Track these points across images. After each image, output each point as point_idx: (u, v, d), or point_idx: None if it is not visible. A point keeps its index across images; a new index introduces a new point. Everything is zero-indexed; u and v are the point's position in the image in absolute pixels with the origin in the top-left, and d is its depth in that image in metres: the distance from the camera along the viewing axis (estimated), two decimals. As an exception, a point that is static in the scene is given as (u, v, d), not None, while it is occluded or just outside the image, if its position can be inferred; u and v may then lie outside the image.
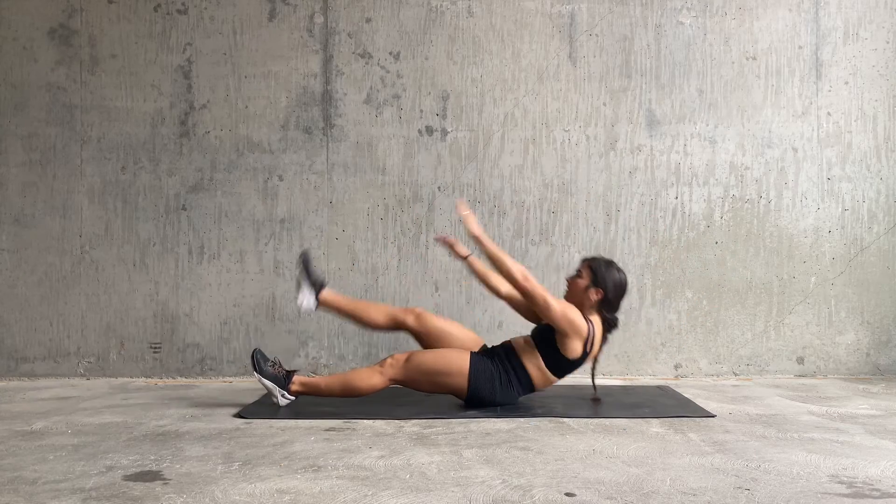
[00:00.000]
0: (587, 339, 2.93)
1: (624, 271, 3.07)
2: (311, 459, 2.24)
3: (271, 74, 3.90)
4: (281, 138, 3.89)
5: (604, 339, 3.05)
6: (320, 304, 3.13)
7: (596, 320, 2.99)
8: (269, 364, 3.01)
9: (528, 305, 3.10)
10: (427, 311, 3.19)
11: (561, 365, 2.97)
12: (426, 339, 3.12)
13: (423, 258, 3.87)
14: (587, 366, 3.11)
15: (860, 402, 3.18)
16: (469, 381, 2.93)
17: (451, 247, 3.19)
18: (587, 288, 2.99)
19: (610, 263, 3.04)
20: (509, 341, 3.08)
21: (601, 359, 3.29)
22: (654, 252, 3.87)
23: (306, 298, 3.11)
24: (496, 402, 2.97)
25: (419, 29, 3.90)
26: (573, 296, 3.03)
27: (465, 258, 3.17)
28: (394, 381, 2.99)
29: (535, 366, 2.98)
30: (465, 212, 3.01)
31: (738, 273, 3.86)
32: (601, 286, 2.98)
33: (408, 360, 2.97)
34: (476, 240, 2.92)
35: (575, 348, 2.92)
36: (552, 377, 3.00)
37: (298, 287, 3.14)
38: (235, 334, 3.87)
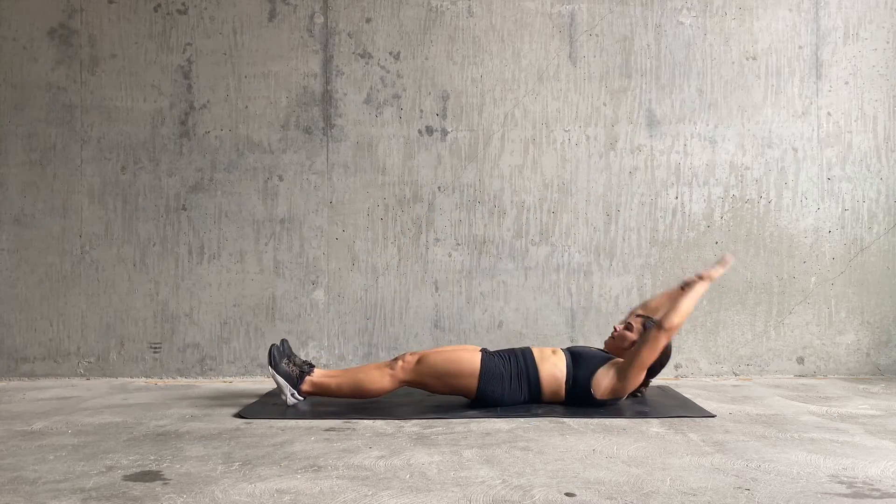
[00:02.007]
0: (620, 398, 2.94)
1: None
2: (311, 459, 2.24)
3: (271, 74, 3.90)
4: (281, 138, 3.89)
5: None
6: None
7: None
8: (284, 361, 3.00)
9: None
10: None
11: (579, 397, 2.95)
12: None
13: (423, 258, 3.87)
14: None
15: (860, 402, 3.18)
16: (479, 381, 2.93)
17: (716, 270, 3.04)
18: (634, 343, 2.98)
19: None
20: (530, 348, 3.05)
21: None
22: (654, 252, 3.87)
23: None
24: (503, 402, 2.97)
25: (419, 29, 3.90)
26: (616, 346, 3.02)
27: (711, 279, 3.02)
28: (405, 382, 2.98)
29: (552, 378, 2.95)
30: (729, 263, 3.02)
31: (738, 273, 3.86)
32: None
33: (419, 361, 2.96)
34: (705, 281, 2.92)
35: (605, 394, 2.92)
36: (562, 397, 2.98)
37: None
38: (235, 334, 3.87)
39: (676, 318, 2.84)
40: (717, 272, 3.01)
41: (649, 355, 2.86)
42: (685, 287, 3.01)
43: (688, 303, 2.88)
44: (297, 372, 3.01)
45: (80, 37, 3.91)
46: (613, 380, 2.90)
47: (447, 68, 3.90)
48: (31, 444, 2.45)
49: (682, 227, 3.87)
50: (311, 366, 3.07)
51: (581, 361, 2.97)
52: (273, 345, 3.03)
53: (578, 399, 2.95)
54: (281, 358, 3.01)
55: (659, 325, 2.86)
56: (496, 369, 2.95)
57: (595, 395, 2.92)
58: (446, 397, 3.12)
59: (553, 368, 2.97)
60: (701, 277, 3.00)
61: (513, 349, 3.08)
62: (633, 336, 3.00)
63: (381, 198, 3.88)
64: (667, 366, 3.85)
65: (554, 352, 3.03)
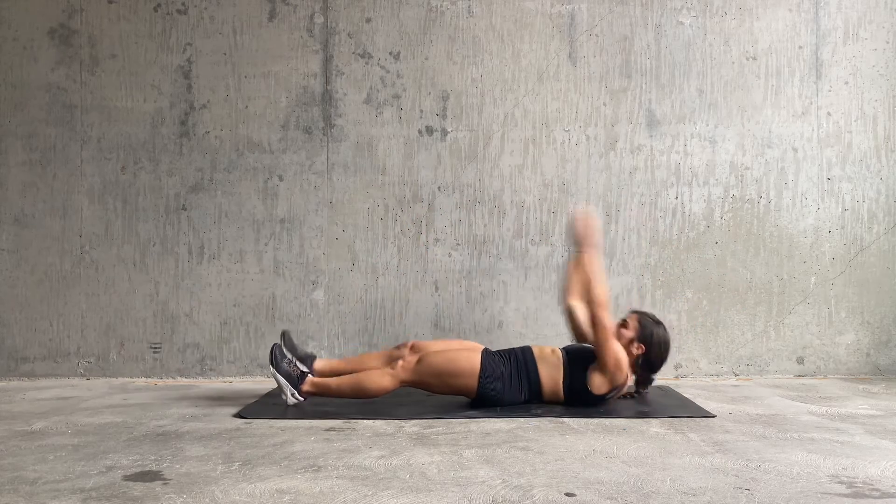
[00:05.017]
0: (617, 388, 2.93)
1: (669, 333, 3.06)
2: (311, 459, 2.24)
3: (271, 74, 3.90)
4: (281, 138, 3.89)
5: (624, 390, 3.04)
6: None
7: (630, 375, 2.98)
8: (285, 361, 3.02)
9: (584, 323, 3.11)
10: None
11: (578, 394, 2.95)
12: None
13: (423, 258, 3.87)
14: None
15: (860, 402, 3.18)
16: (479, 380, 2.93)
17: (586, 232, 3.07)
18: (631, 341, 2.99)
19: (658, 322, 3.04)
20: (530, 347, 3.07)
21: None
22: (654, 252, 3.87)
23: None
24: (504, 402, 2.98)
25: (419, 29, 3.90)
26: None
27: (590, 249, 3.06)
28: (405, 383, 2.98)
29: (551, 378, 2.97)
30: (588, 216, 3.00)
31: (738, 273, 3.86)
32: (645, 343, 2.98)
33: (419, 362, 2.96)
34: (593, 251, 2.94)
35: (601, 388, 2.92)
36: (561, 396, 2.99)
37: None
38: (235, 334, 3.87)
39: (597, 288, 2.88)
40: (583, 235, 3.02)
41: (605, 334, 2.85)
42: (577, 263, 3.11)
43: (597, 273, 2.92)
44: (298, 372, 3.03)
45: (80, 37, 3.91)
46: (602, 373, 2.91)
47: (447, 68, 3.89)
48: (31, 444, 2.45)
49: (682, 227, 3.87)
50: (314, 357, 3.12)
51: (577, 359, 2.99)
52: (275, 344, 3.05)
53: (577, 396, 2.96)
54: (282, 358, 3.02)
55: (590, 306, 2.89)
56: (496, 368, 2.96)
57: (592, 391, 2.93)
58: (446, 397, 3.12)
59: (552, 368, 2.98)
60: (579, 250, 3.06)
61: (513, 349, 3.09)
62: (630, 333, 3.02)
63: (381, 198, 3.88)
64: (667, 365, 3.86)
65: (553, 351, 3.05)
